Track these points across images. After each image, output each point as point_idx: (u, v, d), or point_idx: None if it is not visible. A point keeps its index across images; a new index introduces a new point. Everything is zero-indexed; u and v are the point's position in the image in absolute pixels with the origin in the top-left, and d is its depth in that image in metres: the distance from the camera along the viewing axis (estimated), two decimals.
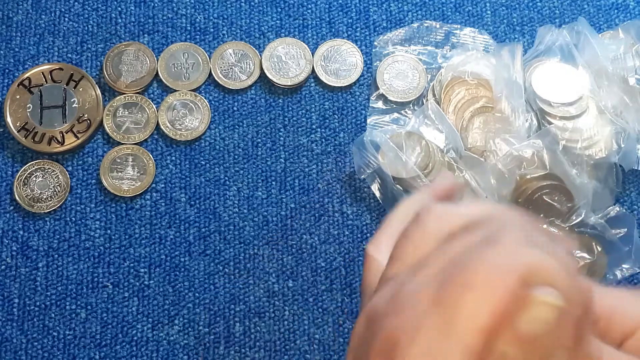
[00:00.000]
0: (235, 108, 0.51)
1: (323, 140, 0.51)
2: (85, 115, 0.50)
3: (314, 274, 0.48)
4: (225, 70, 0.52)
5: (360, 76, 0.52)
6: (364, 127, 0.51)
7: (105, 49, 0.52)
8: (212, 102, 0.51)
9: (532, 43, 0.52)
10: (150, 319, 0.47)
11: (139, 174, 0.50)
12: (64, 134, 0.50)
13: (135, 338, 0.47)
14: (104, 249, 0.49)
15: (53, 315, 0.47)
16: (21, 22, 0.52)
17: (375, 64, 0.52)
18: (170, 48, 0.52)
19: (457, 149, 0.48)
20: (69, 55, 0.52)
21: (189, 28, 0.53)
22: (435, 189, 0.32)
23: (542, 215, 0.46)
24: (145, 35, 0.53)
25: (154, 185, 0.50)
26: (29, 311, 0.47)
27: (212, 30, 0.53)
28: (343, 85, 0.52)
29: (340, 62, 0.52)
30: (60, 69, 0.51)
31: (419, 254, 0.25)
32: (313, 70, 0.52)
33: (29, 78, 0.51)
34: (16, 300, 0.48)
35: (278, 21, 0.53)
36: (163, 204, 0.49)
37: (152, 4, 0.53)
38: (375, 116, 0.51)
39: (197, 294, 0.48)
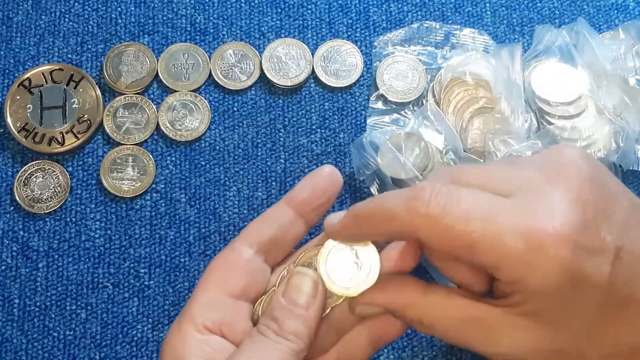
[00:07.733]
0: (235, 108, 0.51)
1: (323, 140, 0.51)
2: (86, 116, 0.50)
3: None
4: (225, 70, 0.52)
5: (360, 77, 0.52)
6: (364, 127, 0.51)
7: (105, 50, 0.52)
8: (212, 102, 0.51)
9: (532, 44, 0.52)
10: (150, 320, 0.47)
11: (139, 175, 0.50)
12: (64, 134, 0.50)
13: (135, 338, 0.47)
14: (104, 250, 0.49)
15: (53, 315, 0.48)
16: (21, 23, 0.53)
17: (375, 65, 0.52)
18: (170, 48, 0.52)
19: (457, 150, 0.48)
20: (69, 55, 0.52)
21: (189, 28, 0.53)
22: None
23: None
24: (145, 35, 0.53)
25: (154, 185, 0.50)
26: (29, 312, 0.47)
27: (212, 30, 0.53)
28: (343, 85, 0.52)
29: (340, 62, 0.52)
30: (61, 69, 0.51)
31: None
32: (313, 71, 0.52)
33: (29, 78, 0.51)
34: (16, 301, 0.48)
35: (278, 21, 0.53)
36: (163, 204, 0.50)
37: (152, 5, 0.53)
38: (375, 117, 0.51)
39: None
